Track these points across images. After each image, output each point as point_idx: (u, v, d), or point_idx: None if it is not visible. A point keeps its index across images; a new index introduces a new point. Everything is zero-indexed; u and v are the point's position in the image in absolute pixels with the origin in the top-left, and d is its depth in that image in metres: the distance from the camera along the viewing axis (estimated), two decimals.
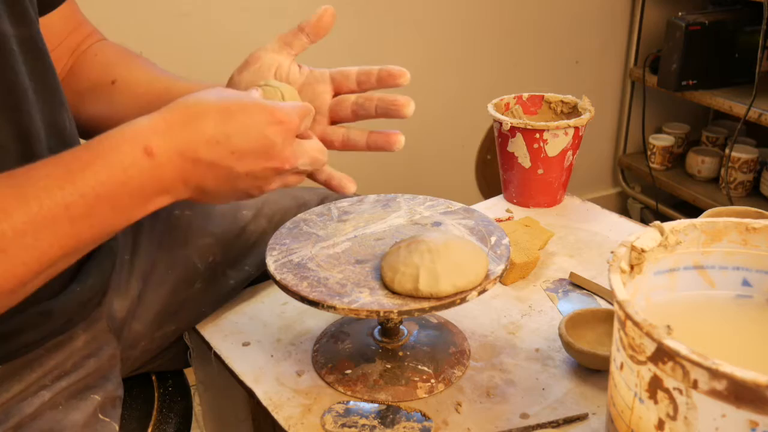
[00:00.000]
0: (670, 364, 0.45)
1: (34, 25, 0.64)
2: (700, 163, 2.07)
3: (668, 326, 0.46)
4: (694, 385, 0.44)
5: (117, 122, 0.76)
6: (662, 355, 0.46)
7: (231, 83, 0.71)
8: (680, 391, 0.46)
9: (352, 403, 0.71)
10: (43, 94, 0.64)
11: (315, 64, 0.73)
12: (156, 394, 0.83)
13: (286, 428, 0.69)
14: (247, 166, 0.58)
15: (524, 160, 1.07)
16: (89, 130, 0.78)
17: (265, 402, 0.72)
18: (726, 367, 0.42)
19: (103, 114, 0.77)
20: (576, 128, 1.05)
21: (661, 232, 0.58)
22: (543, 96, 1.16)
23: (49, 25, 0.74)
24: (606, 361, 0.71)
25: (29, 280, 0.52)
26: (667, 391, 0.46)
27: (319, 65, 0.73)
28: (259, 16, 1.63)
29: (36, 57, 0.63)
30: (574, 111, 1.13)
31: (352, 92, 0.72)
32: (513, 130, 1.06)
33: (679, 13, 1.86)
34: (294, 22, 0.71)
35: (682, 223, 0.59)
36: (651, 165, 2.15)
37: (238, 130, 0.56)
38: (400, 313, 0.64)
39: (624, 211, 2.32)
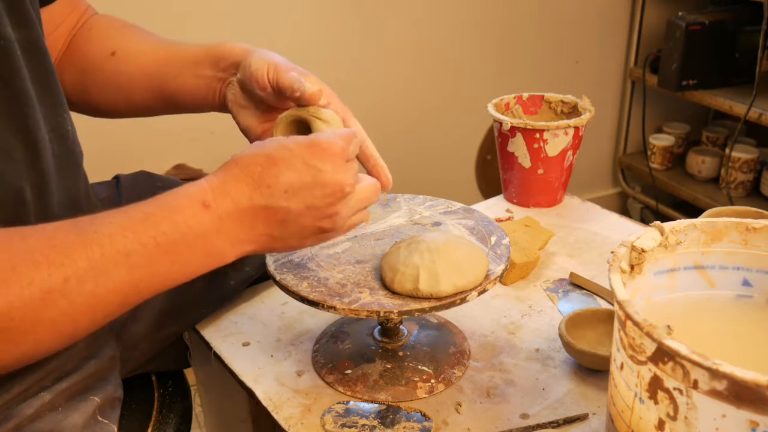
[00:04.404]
0: (670, 364, 0.45)
1: (35, 27, 0.63)
2: (700, 163, 2.07)
3: (668, 326, 0.46)
4: (695, 385, 0.44)
5: (125, 93, 0.78)
6: (662, 355, 0.46)
7: (280, 70, 0.67)
8: (680, 391, 0.46)
9: (352, 403, 0.71)
10: (45, 97, 0.63)
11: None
12: (156, 395, 0.83)
13: (286, 428, 0.69)
14: (304, 200, 0.57)
15: (524, 160, 1.07)
16: (100, 106, 0.80)
17: (265, 402, 0.72)
18: (726, 367, 0.42)
19: (109, 85, 0.78)
20: (576, 128, 1.05)
21: (661, 232, 0.58)
22: (543, 96, 1.16)
23: (50, 10, 0.75)
24: (606, 361, 0.71)
25: (85, 326, 0.53)
26: (667, 391, 0.46)
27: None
28: (259, 14, 1.63)
29: (38, 60, 0.63)
30: (574, 111, 1.13)
31: None
32: (513, 130, 1.06)
33: (679, 13, 1.86)
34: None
35: (682, 223, 0.59)
36: (651, 165, 2.15)
37: (285, 168, 0.57)
38: (400, 313, 0.64)
39: (624, 211, 2.32)
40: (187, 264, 0.55)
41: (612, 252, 0.56)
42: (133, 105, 0.80)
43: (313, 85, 0.65)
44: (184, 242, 0.54)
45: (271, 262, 0.71)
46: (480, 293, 0.67)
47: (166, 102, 0.78)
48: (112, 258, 0.51)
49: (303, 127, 0.67)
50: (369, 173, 0.70)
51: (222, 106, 0.75)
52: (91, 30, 0.80)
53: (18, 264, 0.48)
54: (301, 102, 0.66)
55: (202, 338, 0.83)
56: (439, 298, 0.65)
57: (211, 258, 0.57)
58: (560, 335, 0.74)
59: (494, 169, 1.23)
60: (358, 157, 0.71)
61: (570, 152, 1.08)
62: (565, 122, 1.04)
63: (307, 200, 0.57)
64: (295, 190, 0.57)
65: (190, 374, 0.92)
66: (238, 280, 0.87)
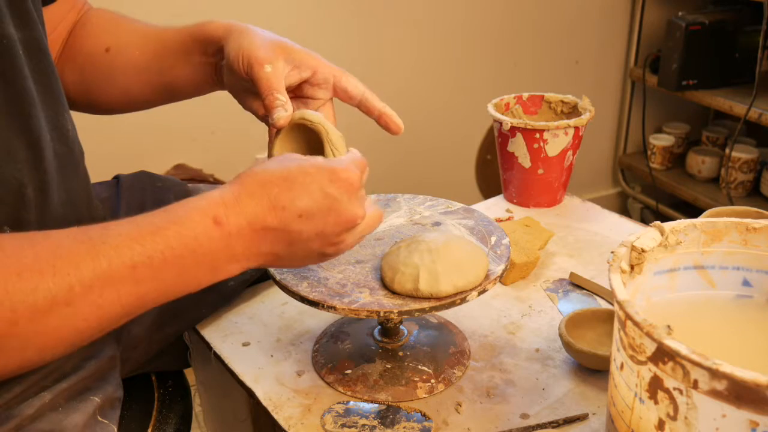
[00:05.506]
0: (670, 364, 0.45)
1: (37, 26, 0.63)
2: (701, 163, 2.07)
3: (668, 326, 0.46)
4: (695, 385, 0.44)
5: (124, 88, 0.79)
6: (662, 355, 0.46)
7: (253, 61, 0.69)
8: (680, 391, 0.46)
9: (352, 403, 0.71)
10: (47, 97, 0.63)
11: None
12: (156, 395, 0.83)
13: (286, 428, 0.69)
14: (317, 227, 0.58)
15: (524, 160, 1.07)
16: (101, 103, 0.80)
17: (265, 402, 0.72)
18: (726, 367, 0.42)
19: (107, 82, 0.78)
20: (576, 128, 1.05)
21: (661, 232, 0.58)
22: (543, 96, 1.16)
23: (50, 10, 0.75)
24: (606, 361, 0.71)
25: (88, 335, 0.53)
26: (667, 391, 0.46)
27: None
28: (259, 14, 1.63)
29: (39, 59, 0.63)
30: (574, 111, 1.13)
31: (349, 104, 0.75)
32: (513, 130, 1.06)
33: (679, 13, 1.86)
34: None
35: (682, 223, 0.59)
36: (651, 165, 2.15)
37: (302, 192, 0.57)
38: (400, 313, 0.64)
39: (624, 211, 2.32)
40: (193, 278, 0.55)
41: (612, 252, 0.56)
42: (133, 99, 0.80)
43: (279, 119, 0.66)
44: (192, 257, 0.54)
45: None
46: (480, 293, 0.67)
47: (166, 92, 0.79)
48: (118, 270, 0.51)
49: (306, 131, 0.67)
50: (377, 123, 0.73)
51: (223, 86, 0.76)
52: (85, 26, 0.80)
53: (24, 271, 0.48)
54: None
55: (202, 338, 0.83)
56: (439, 298, 0.65)
57: (216, 273, 0.57)
58: (560, 335, 0.74)
59: (494, 169, 1.23)
60: (363, 112, 0.74)
61: (570, 152, 1.08)
62: (565, 122, 1.04)
63: (318, 226, 0.58)
64: (309, 215, 0.57)
65: (190, 374, 0.92)
66: (237, 281, 0.87)
